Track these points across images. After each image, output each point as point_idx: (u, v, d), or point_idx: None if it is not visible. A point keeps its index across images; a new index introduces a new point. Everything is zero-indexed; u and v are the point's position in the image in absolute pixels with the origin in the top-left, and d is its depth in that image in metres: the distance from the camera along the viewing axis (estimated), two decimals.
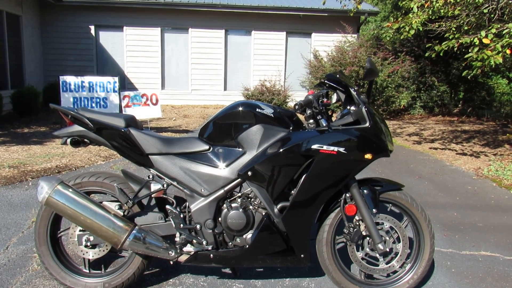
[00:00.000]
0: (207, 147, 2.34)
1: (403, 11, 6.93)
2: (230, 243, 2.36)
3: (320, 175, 2.21)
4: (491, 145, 7.52)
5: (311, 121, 2.32)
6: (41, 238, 2.33)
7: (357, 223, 2.34)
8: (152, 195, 2.32)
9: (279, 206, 2.27)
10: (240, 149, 2.31)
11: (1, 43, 9.91)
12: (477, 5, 5.68)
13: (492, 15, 5.74)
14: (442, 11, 6.05)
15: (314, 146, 2.16)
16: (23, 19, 10.91)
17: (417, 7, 6.11)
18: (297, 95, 12.19)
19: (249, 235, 2.32)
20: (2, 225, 3.34)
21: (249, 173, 2.21)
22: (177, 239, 2.32)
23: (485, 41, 5.28)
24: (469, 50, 5.58)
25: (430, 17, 6.20)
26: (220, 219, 2.31)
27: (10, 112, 9.47)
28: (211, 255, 2.31)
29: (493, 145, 7.57)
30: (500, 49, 5.14)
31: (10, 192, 4.17)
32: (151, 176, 2.32)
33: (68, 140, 2.31)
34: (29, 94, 9.39)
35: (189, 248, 2.33)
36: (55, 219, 2.36)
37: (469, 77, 6.20)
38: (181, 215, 2.31)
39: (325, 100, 2.38)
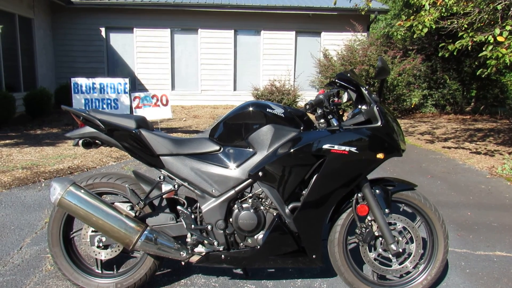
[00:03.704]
0: (217, 147, 2.33)
1: (414, 9, 6.85)
2: (242, 244, 2.35)
3: (332, 175, 2.19)
4: (505, 144, 7.41)
5: (322, 120, 2.31)
6: (54, 238, 2.35)
7: (369, 224, 2.32)
8: (163, 196, 2.32)
9: (290, 206, 2.26)
10: (251, 150, 2.30)
11: (14, 46, 10.06)
12: (490, 1, 5.59)
13: (506, 11, 5.65)
14: (454, 8, 5.97)
15: (325, 146, 2.15)
16: (35, 22, 11.06)
17: (429, 4, 6.03)
18: (307, 95, 12.14)
19: (260, 236, 2.31)
20: (16, 225, 3.38)
21: (260, 173, 2.20)
22: (188, 239, 2.32)
23: (500, 38, 5.20)
24: (483, 48, 5.49)
25: (443, 14, 6.12)
26: (231, 219, 2.30)
27: (23, 114, 9.60)
28: (223, 256, 2.30)
29: (508, 143, 7.45)
30: None
31: (23, 193, 4.22)
32: (162, 177, 2.32)
33: (80, 142, 2.33)
34: (41, 96, 9.51)
35: (200, 248, 2.33)
36: (68, 220, 2.37)
37: (483, 75, 6.11)
38: (192, 216, 2.31)
39: (336, 99, 2.37)
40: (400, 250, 2.30)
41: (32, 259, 2.82)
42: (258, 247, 2.29)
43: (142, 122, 2.35)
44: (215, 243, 2.31)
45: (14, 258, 2.82)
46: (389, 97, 10.76)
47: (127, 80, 7.64)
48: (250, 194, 2.34)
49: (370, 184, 2.31)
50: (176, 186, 2.29)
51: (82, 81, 7.45)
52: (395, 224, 2.35)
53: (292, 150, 2.16)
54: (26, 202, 3.95)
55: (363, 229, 2.33)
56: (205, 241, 2.31)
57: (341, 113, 2.41)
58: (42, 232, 3.25)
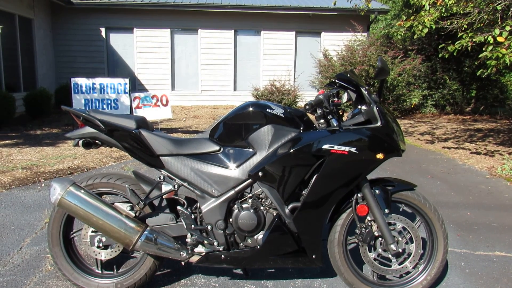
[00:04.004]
0: (217, 148, 2.34)
1: (414, 9, 6.85)
2: (241, 244, 2.35)
3: (331, 175, 2.19)
4: (505, 144, 7.41)
5: (322, 121, 2.31)
6: (54, 239, 2.35)
7: (369, 224, 2.32)
8: (163, 196, 2.32)
9: (290, 206, 2.26)
10: (251, 150, 2.30)
11: (14, 46, 10.06)
12: (489, 2, 5.59)
13: (505, 12, 5.65)
14: (454, 8, 5.97)
15: (325, 146, 2.15)
16: (35, 22, 11.06)
17: (429, 4, 6.03)
18: (307, 95, 12.15)
19: (260, 236, 2.31)
20: (16, 226, 3.39)
21: (260, 173, 2.20)
22: (188, 240, 2.33)
23: (500, 39, 5.20)
24: (483, 49, 5.50)
25: (442, 14, 6.12)
26: (231, 220, 2.31)
27: (23, 114, 9.60)
28: (222, 256, 2.31)
29: (507, 143, 7.45)
30: None
31: (23, 193, 4.22)
32: (162, 177, 2.32)
33: (80, 142, 2.33)
34: (42, 96, 9.51)
35: (200, 249, 2.34)
36: (68, 220, 2.38)
37: (483, 76, 6.11)
38: (192, 216, 2.31)
39: (335, 99, 2.37)
40: (400, 250, 2.31)
41: (32, 259, 2.82)
42: (258, 247, 2.29)
43: (142, 123, 2.36)
44: (215, 243, 2.31)
45: (14, 258, 2.83)
46: (389, 97, 10.77)
47: (127, 80, 7.64)
48: (250, 194, 2.34)
49: (370, 184, 2.31)
50: (176, 186, 2.30)
51: (82, 81, 7.45)
52: (395, 224, 2.35)
53: (292, 150, 2.17)
54: (26, 202, 3.96)
55: (363, 229, 2.34)
56: (205, 241, 2.31)
57: (341, 114, 2.41)
58: (42, 232, 3.25)
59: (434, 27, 6.27)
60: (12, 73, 10.03)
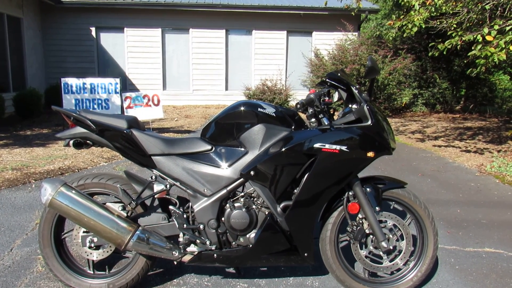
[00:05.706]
0: (209, 147, 2.34)
1: (405, 9, 6.91)
2: (234, 243, 2.36)
3: (323, 173, 2.20)
4: (494, 142, 7.50)
5: (313, 120, 2.32)
6: (45, 240, 2.33)
7: (360, 221, 2.34)
8: (155, 196, 2.32)
9: (282, 205, 2.28)
10: (243, 149, 2.31)
11: (3, 45, 9.95)
12: (478, 1, 5.66)
13: (494, 11, 5.72)
14: (444, 8, 6.03)
15: (316, 145, 2.16)
16: (24, 21, 10.94)
17: (419, 4, 6.09)
18: (299, 94, 12.18)
19: (252, 235, 2.32)
20: (6, 227, 3.36)
21: (252, 172, 2.21)
22: (180, 239, 2.33)
23: (488, 38, 5.27)
24: (472, 48, 5.56)
25: (432, 14, 6.18)
26: (223, 219, 2.31)
27: (12, 114, 9.50)
28: (215, 255, 2.31)
29: (496, 141, 7.55)
30: (503, 46, 5.12)
31: (13, 194, 4.18)
32: (154, 177, 2.32)
33: (71, 142, 2.32)
34: (31, 97, 9.42)
35: (192, 248, 2.34)
36: (59, 220, 2.36)
37: (473, 74, 6.18)
38: (184, 215, 2.32)
39: (326, 98, 2.38)
40: (391, 248, 2.33)
41: (23, 260, 2.80)
42: (251, 246, 2.30)
43: (133, 122, 2.35)
44: (208, 243, 2.31)
45: (4, 260, 2.80)
46: (380, 96, 10.84)
47: (118, 80, 7.59)
48: (242, 193, 2.35)
49: (360, 182, 2.33)
50: (168, 186, 2.30)
51: (73, 81, 7.39)
52: (386, 221, 2.38)
53: (283, 149, 2.18)
54: (16, 203, 3.92)
55: (354, 227, 2.36)
56: (198, 241, 2.32)
57: (332, 112, 2.43)
58: (32, 234, 3.23)
59: (424, 26, 6.33)
60: (1, 73, 9.91)
